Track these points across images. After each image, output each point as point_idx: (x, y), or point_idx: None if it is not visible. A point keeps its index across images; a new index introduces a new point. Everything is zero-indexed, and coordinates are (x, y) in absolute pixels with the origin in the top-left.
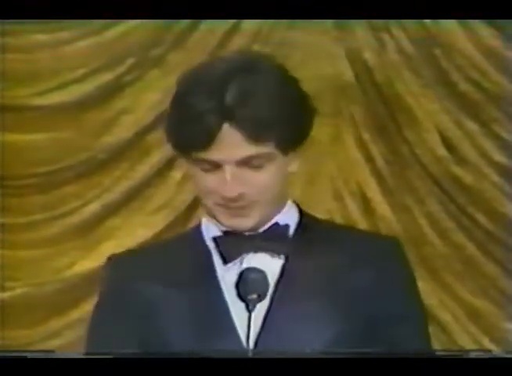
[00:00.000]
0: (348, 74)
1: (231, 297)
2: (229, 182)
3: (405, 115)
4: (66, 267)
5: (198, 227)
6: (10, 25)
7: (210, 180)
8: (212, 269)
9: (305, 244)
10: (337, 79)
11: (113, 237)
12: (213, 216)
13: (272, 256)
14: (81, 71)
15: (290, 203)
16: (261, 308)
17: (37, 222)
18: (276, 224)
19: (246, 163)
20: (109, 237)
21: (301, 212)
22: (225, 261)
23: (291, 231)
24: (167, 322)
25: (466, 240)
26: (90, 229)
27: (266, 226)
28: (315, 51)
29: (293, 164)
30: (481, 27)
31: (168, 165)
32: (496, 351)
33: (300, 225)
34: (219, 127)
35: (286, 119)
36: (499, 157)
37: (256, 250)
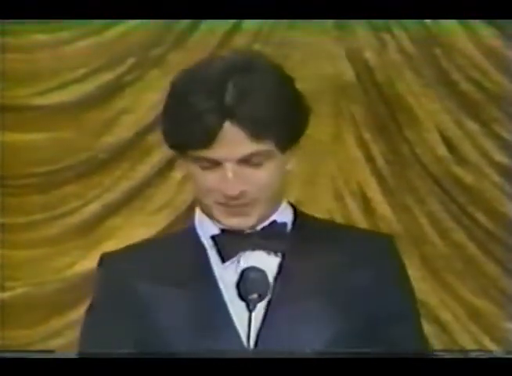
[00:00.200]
0: (349, 74)
1: (229, 295)
2: (231, 180)
3: (405, 115)
4: (66, 267)
5: (191, 226)
6: (10, 25)
7: (210, 179)
8: (209, 267)
9: (302, 242)
10: (338, 79)
11: (113, 237)
12: (212, 215)
13: (270, 254)
14: (81, 71)
15: (285, 201)
16: (260, 306)
17: (37, 221)
18: (274, 222)
19: (246, 161)
20: (109, 237)
21: (296, 211)
22: (223, 259)
23: (288, 229)
24: (164, 321)
25: (467, 239)
26: (90, 229)
27: (264, 224)
28: (315, 51)
29: (290, 163)
30: (481, 26)
31: (169, 165)
32: (497, 351)
33: (295, 223)
34: (220, 125)
35: (284, 117)
36: (499, 156)
37: (254, 248)
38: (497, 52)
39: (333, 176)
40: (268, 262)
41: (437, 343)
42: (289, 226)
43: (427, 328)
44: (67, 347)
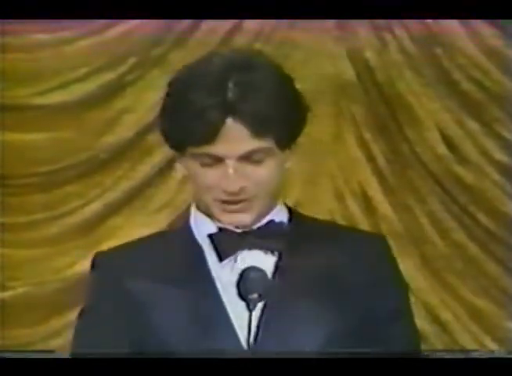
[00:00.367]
0: (349, 74)
1: (226, 294)
2: (231, 176)
3: (406, 114)
4: (67, 267)
5: (186, 224)
6: (11, 24)
7: (210, 175)
8: (205, 266)
9: (299, 242)
10: (339, 78)
11: (114, 237)
12: (210, 213)
13: (267, 253)
14: (82, 71)
15: (281, 201)
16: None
17: (38, 221)
18: (271, 221)
19: (247, 158)
20: (110, 237)
21: (291, 211)
22: (221, 258)
23: (285, 228)
24: (160, 321)
25: (468, 239)
26: (91, 228)
27: (261, 223)
28: (316, 50)
29: (289, 161)
30: (482, 26)
31: (170, 165)
32: (498, 351)
33: (291, 222)
34: (223, 121)
35: (284, 115)
36: (500, 156)
37: (251, 247)
38: (498, 51)
39: (334, 176)
40: (264, 262)
41: (437, 343)
42: (285, 226)
43: (428, 328)
44: (67, 347)
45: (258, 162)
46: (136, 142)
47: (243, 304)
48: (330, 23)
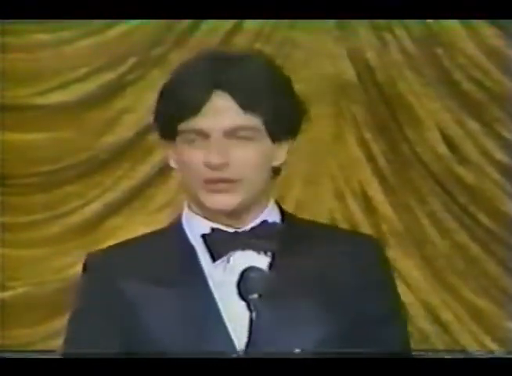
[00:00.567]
0: (350, 74)
1: (219, 294)
2: (215, 149)
3: (406, 114)
4: (67, 266)
5: (177, 224)
6: (11, 25)
7: (195, 154)
8: (198, 266)
9: (292, 242)
10: (339, 78)
11: (114, 237)
12: (197, 201)
13: (260, 254)
14: (82, 71)
15: (272, 201)
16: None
17: (38, 221)
18: (265, 222)
19: (233, 133)
20: (110, 237)
21: (282, 211)
22: (214, 258)
23: (278, 229)
24: (153, 321)
25: (469, 239)
26: (91, 228)
27: (254, 223)
28: (316, 50)
29: (279, 157)
30: (483, 26)
31: (169, 165)
32: (498, 351)
33: (284, 222)
34: (209, 93)
35: (272, 93)
36: (500, 156)
37: (244, 247)
38: (498, 51)
39: (334, 176)
40: (258, 262)
41: (438, 343)
42: (279, 226)
43: (429, 328)
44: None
45: (244, 141)
46: (136, 142)
47: (236, 304)
48: (330, 23)
